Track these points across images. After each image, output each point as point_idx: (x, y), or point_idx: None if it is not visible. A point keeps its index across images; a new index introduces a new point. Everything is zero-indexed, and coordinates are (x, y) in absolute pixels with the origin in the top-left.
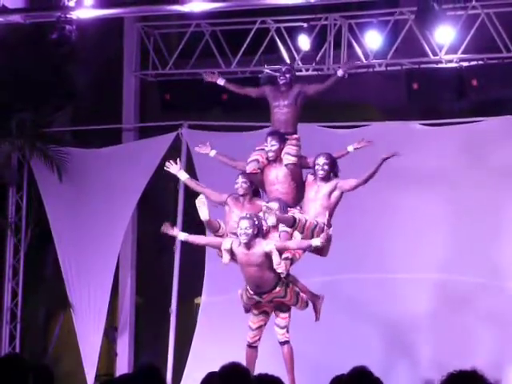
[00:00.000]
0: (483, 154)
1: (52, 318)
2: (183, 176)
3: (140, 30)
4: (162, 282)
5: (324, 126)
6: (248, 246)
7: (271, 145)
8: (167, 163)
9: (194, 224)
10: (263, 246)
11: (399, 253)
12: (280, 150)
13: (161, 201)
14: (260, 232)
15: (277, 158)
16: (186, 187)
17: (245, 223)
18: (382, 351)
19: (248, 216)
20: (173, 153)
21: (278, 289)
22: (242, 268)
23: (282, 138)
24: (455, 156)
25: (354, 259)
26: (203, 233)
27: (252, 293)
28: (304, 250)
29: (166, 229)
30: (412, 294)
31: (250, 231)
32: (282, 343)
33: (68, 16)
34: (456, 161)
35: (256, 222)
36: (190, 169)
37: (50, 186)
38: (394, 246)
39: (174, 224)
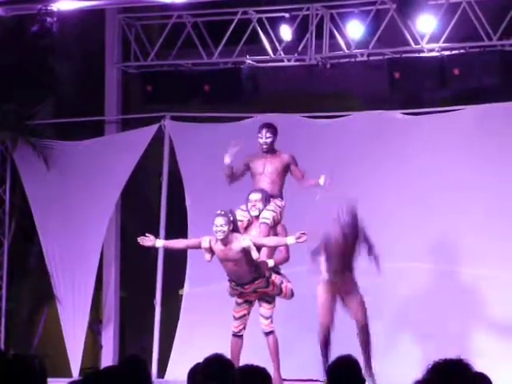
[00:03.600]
0: (465, 143)
1: (37, 312)
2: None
3: (121, 22)
4: (146, 274)
5: (305, 117)
6: (224, 241)
7: (266, 137)
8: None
9: (177, 215)
10: (240, 241)
11: (388, 242)
12: (273, 142)
13: (144, 193)
14: (236, 227)
15: (269, 151)
16: (170, 178)
17: (220, 220)
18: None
19: (223, 213)
20: (155, 144)
21: (259, 279)
22: (221, 263)
23: (276, 132)
24: (437, 144)
25: None
26: (186, 224)
27: (234, 284)
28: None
29: (143, 241)
30: (406, 283)
31: (225, 228)
32: (267, 334)
33: (49, 8)
34: (438, 149)
35: (231, 218)
36: (173, 160)
37: (33, 179)
38: (381, 235)
39: (157, 217)
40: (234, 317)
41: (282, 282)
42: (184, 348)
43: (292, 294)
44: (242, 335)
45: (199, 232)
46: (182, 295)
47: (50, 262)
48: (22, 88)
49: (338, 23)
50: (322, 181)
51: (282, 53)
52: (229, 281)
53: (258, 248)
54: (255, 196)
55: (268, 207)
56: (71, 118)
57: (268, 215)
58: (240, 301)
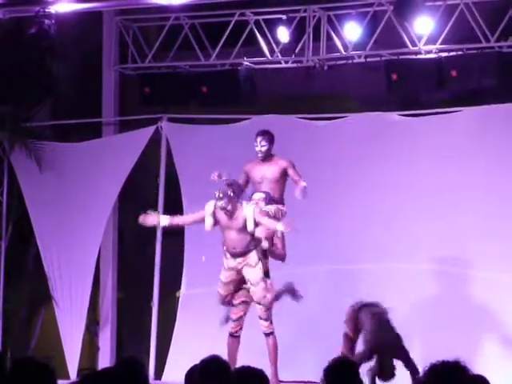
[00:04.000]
0: (463, 144)
1: (34, 313)
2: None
3: (119, 24)
4: (144, 276)
5: (303, 118)
6: (231, 214)
7: (261, 145)
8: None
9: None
10: (245, 210)
11: (388, 244)
12: (269, 150)
13: (141, 195)
14: (238, 196)
15: (265, 158)
16: (167, 180)
17: (222, 203)
18: None
19: (221, 195)
20: (153, 146)
21: (252, 252)
22: (223, 230)
23: (272, 139)
24: (435, 146)
25: (336, 249)
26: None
27: (229, 256)
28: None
29: (145, 220)
30: (398, 284)
31: (229, 207)
32: (267, 335)
33: (47, 10)
34: (436, 151)
35: (231, 194)
36: (170, 161)
37: (30, 181)
38: (379, 237)
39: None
40: (231, 318)
41: (267, 283)
42: (181, 349)
43: (270, 303)
44: (238, 336)
45: (196, 233)
46: (178, 297)
47: (47, 264)
48: (19, 89)
49: (335, 25)
50: (296, 192)
51: (279, 54)
52: (224, 253)
53: (256, 224)
54: (258, 195)
55: (270, 206)
56: (69, 119)
57: (270, 208)
58: (236, 302)
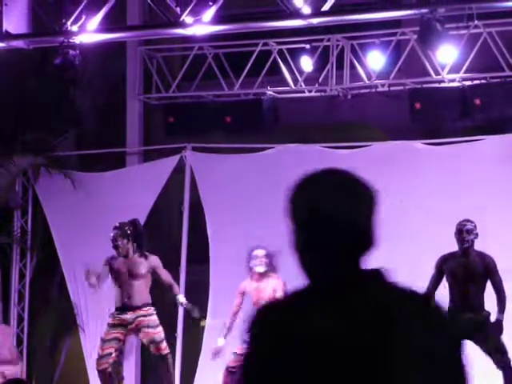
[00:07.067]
0: (486, 172)
1: (58, 343)
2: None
3: (143, 54)
4: (169, 305)
5: (326, 147)
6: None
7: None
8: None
9: (198, 244)
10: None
11: (408, 268)
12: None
13: (165, 223)
14: (140, 240)
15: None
16: (191, 208)
17: (112, 233)
18: None
19: (117, 225)
20: (177, 175)
21: (149, 308)
22: (118, 279)
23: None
24: (458, 174)
25: None
26: (207, 252)
27: (117, 313)
28: None
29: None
30: None
31: (119, 242)
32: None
33: (71, 41)
34: (459, 180)
35: (128, 232)
36: (194, 191)
37: (55, 210)
38: (398, 265)
39: (179, 246)
40: (99, 354)
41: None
42: (206, 380)
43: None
44: (105, 370)
45: (220, 260)
46: (203, 326)
47: (72, 293)
48: (44, 119)
49: (358, 54)
50: None
51: (302, 84)
52: (111, 314)
53: None
54: (261, 252)
55: None
56: (93, 149)
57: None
58: (108, 337)
